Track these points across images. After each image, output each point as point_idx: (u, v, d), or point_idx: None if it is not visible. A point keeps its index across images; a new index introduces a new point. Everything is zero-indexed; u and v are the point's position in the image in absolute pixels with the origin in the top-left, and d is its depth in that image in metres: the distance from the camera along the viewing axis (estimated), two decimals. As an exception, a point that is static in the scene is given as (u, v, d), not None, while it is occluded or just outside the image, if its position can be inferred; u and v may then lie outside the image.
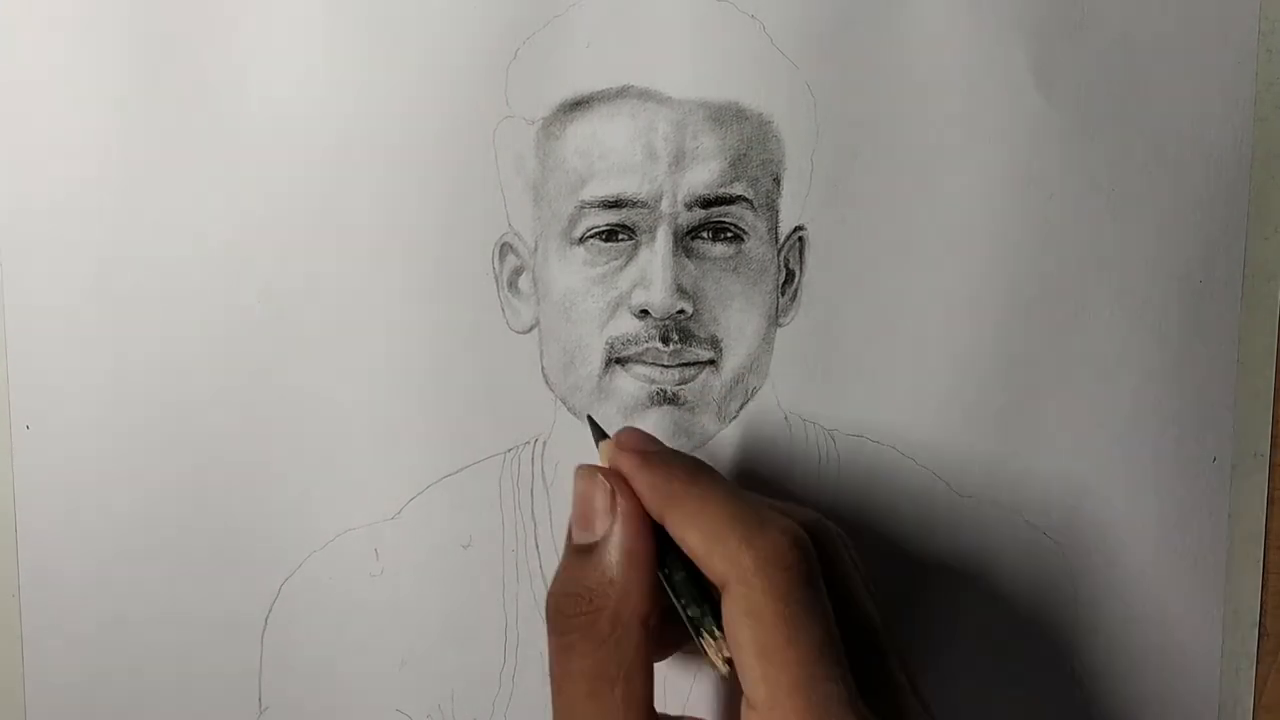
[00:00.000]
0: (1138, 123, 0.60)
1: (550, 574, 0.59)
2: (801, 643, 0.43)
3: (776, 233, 0.58)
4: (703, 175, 0.57)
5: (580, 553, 0.48)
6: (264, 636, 0.58)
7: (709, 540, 0.45)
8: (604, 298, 0.57)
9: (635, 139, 0.56)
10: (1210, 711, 0.65)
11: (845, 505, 0.60)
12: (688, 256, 0.57)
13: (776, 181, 0.58)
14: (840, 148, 0.58)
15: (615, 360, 0.57)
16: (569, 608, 0.47)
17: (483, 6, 0.56)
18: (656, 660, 0.48)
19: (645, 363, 0.57)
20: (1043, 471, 0.61)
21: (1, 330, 0.56)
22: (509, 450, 0.58)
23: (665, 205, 0.56)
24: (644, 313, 0.57)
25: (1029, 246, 0.59)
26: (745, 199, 0.57)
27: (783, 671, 0.43)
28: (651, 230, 0.57)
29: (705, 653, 0.46)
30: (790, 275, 0.59)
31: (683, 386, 0.58)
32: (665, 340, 0.57)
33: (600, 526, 0.47)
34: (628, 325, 0.57)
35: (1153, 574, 0.63)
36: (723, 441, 0.59)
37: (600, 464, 0.50)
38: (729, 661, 0.45)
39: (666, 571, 0.47)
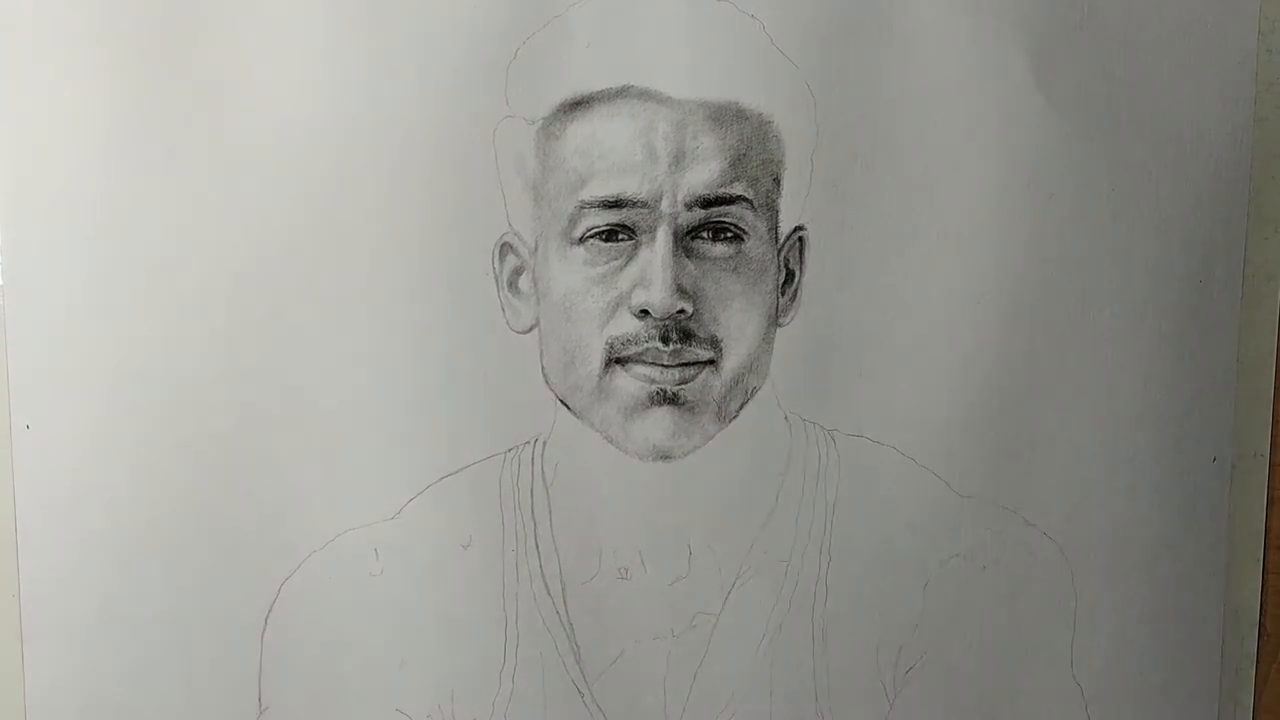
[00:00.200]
0: (1138, 123, 0.60)
1: (550, 574, 0.59)
2: None
3: (776, 233, 0.58)
4: (703, 175, 0.57)
5: None
6: (264, 636, 0.58)
7: None
8: (604, 298, 0.57)
9: (635, 139, 0.56)
10: (1210, 711, 0.65)
11: (845, 505, 0.60)
12: (688, 256, 0.57)
13: (776, 181, 0.58)
14: (840, 148, 0.58)
15: (615, 360, 0.57)
16: None
17: (483, 6, 0.56)
18: None
19: (645, 363, 0.57)
20: (1043, 471, 0.61)
21: (1, 330, 0.56)
22: (509, 450, 0.58)
23: (665, 205, 0.56)
24: (644, 313, 0.57)
25: (1029, 246, 0.59)
26: (745, 199, 0.57)
27: None
28: (651, 230, 0.57)
29: None
30: (790, 275, 0.59)
31: (683, 386, 0.58)
32: (665, 340, 0.57)
33: None
34: (628, 325, 0.57)
35: (1153, 574, 0.63)
36: (723, 441, 0.59)
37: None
38: None
39: None
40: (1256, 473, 0.64)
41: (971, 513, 0.61)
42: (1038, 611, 0.62)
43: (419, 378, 0.57)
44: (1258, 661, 0.65)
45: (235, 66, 0.56)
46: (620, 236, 0.57)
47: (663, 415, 0.58)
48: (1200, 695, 0.65)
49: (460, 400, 0.58)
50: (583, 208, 0.57)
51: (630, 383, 0.58)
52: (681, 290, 0.57)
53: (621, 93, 0.56)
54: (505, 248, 0.57)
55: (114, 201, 0.56)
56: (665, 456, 0.58)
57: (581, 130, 0.56)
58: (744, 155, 0.57)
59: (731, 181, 0.57)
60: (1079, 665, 0.63)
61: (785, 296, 0.59)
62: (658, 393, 0.58)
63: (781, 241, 0.58)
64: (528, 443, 0.58)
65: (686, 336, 0.57)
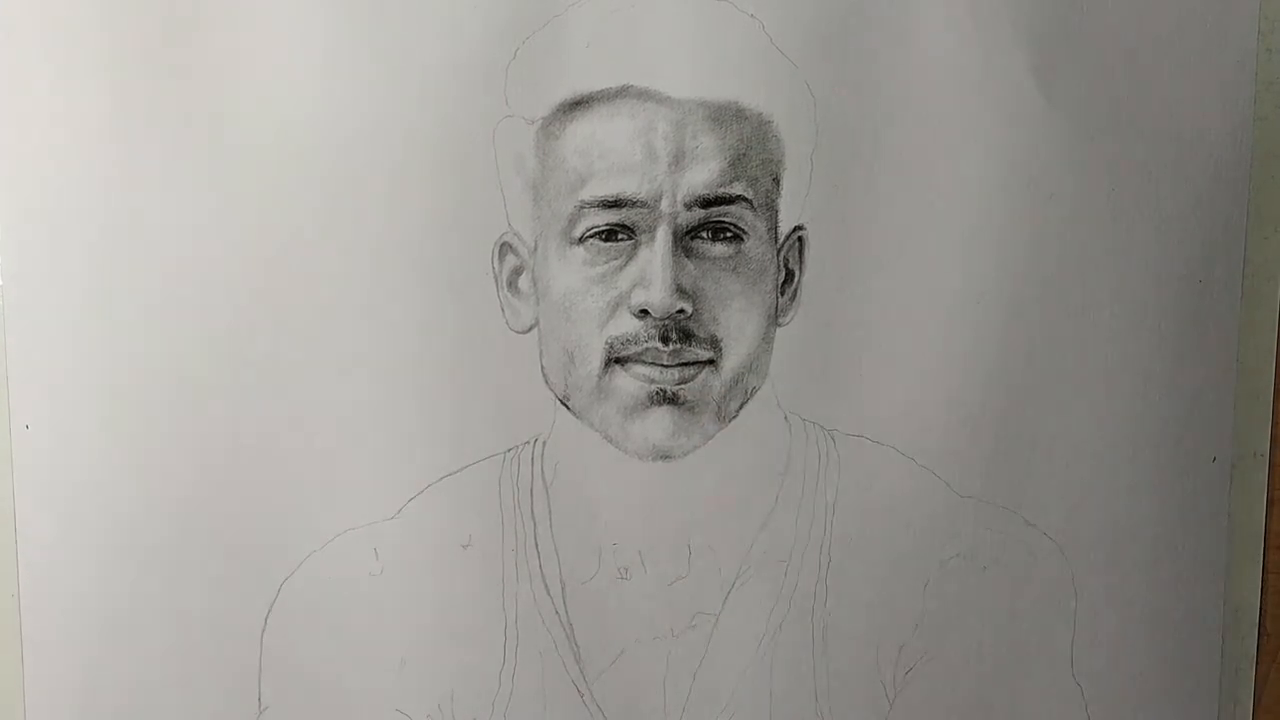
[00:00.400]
0: (1138, 123, 0.60)
1: (550, 574, 0.59)
2: None
3: (776, 232, 0.58)
4: (702, 175, 0.57)
5: None
6: (264, 636, 0.58)
7: None
8: (604, 297, 0.57)
9: (635, 139, 0.56)
10: (1210, 711, 0.65)
11: (845, 505, 0.60)
12: (687, 256, 0.57)
13: (776, 181, 0.58)
14: (840, 148, 0.58)
15: (615, 360, 0.57)
16: None
17: (483, 6, 0.56)
18: None
19: (645, 362, 0.57)
20: (1042, 471, 0.61)
21: (1, 330, 0.56)
22: (509, 450, 0.58)
23: (665, 205, 0.56)
24: (644, 312, 0.57)
25: (1029, 246, 0.59)
26: (745, 199, 0.57)
27: None
28: (651, 230, 0.57)
29: None
30: (790, 275, 0.59)
31: (682, 386, 0.58)
32: (665, 340, 0.57)
33: None
34: (627, 325, 0.57)
35: (1153, 574, 0.63)
36: (723, 441, 0.59)
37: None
38: None
39: None
40: (1256, 472, 0.64)
41: (971, 513, 0.61)
42: (1038, 611, 0.62)
43: (418, 377, 0.57)
44: (1258, 661, 0.65)
45: (235, 66, 0.56)
46: (620, 236, 0.57)
47: (662, 415, 0.58)
48: (1200, 695, 0.65)
49: (460, 400, 0.58)
50: (582, 207, 0.57)
51: (630, 382, 0.58)
52: (681, 290, 0.57)
53: (621, 93, 0.56)
54: (505, 247, 0.57)
55: (114, 201, 0.56)
56: (665, 456, 0.58)
57: (581, 130, 0.56)
58: (744, 155, 0.57)
59: (731, 181, 0.57)
60: (1079, 665, 0.63)
61: (785, 296, 0.59)
62: (657, 392, 0.58)
63: (781, 241, 0.58)
64: (527, 443, 0.58)
65: (686, 336, 0.57)
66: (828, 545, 0.60)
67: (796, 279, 0.59)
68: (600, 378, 0.58)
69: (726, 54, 0.57)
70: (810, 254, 0.59)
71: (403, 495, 0.58)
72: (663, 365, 0.57)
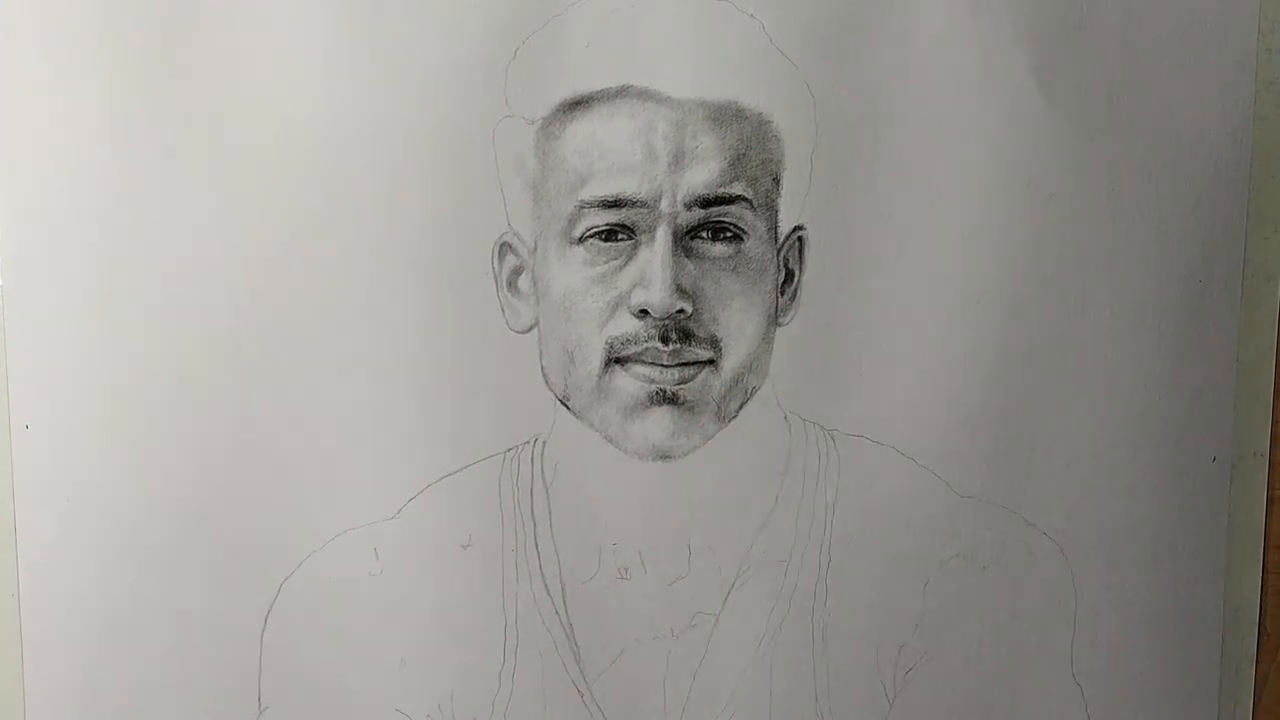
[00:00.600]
0: (1138, 123, 0.60)
1: (550, 574, 0.59)
2: None
3: (776, 232, 0.58)
4: (702, 175, 0.57)
5: None
6: (264, 636, 0.58)
7: None
8: (604, 297, 0.57)
9: (635, 139, 0.56)
10: (1210, 711, 0.65)
11: (845, 505, 0.60)
12: (687, 256, 0.57)
13: (776, 181, 0.58)
14: (840, 148, 0.58)
15: (615, 360, 0.57)
16: None
17: (483, 6, 0.56)
18: None
19: (645, 362, 0.57)
20: (1042, 471, 0.61)
21: (1, 330, 0.56)
22: (509, 450, 0.58)
23: (665, 205, 0.56)
24: (644, 312, 0.57)
25: (1029, 246, 0.59)
26: (745, 199, 0.57)
27: None
28: (651, 230, 0.57)
29: None
30: (790, 275, 0.59)
31: (682, 386, 0.58)
32: (665, 340, 0.57)
33: None
34: (627, 325, 0.57)
35: (1153, 574, 0.63)
36: (723, 441, 0.59)
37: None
38: None
39: None
40: (1256, 472, 0.64)
41: (971, 513, 0.61)
42: (1038, 611, 0.62)
43: (418, 377, 0.57)
44: (1258, 661, 0.65)
45: (235, 66, 0.56)
46: (620, 236, 0.57)
47: (662, 415, 0.58)
48: (1200, 695, 0.65)
49: (460, 400, 0.58)
50: (582, 207, 0.57)
51: (630, 382, 0.58)
52: (681, 290, 0.57)
53: (621, 92, 0.56)
54: (505, 247, 0.57)
55: (114, 201, 0.56)
56: (665, 456, 0.58)
57: (581, 130, 0.56)
58: (743, 155, 0.57)
59: (731, 181, 0.57)
60: (1079, 665, 0.63)
61: (785, 296, 0.59)
62: (657, 392, 0.58)
63: (781, 241, 0.58)
64: (527, 443, 0.58)
65: (686, 336, 0.57)
66: (828, 545, 0.60)
67: (796, 279, 0.59)
68: (600, 378, 0.58)
69: (726, 54, 0.57)
70: (810, 254, 0.59)
71: (403, 495, 0.58)
72: (663, 365, 0.57)
